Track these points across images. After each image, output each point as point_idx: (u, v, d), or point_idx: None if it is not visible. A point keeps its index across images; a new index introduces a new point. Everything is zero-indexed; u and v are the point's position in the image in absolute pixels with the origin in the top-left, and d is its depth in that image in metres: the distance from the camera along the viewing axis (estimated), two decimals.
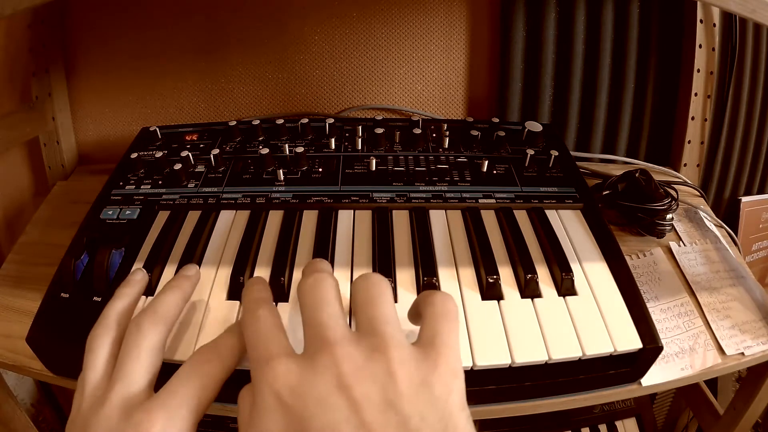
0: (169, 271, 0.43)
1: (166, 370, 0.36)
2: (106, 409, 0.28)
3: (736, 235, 0.66)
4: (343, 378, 0.23)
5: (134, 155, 0.56)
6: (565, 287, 0.43)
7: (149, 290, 0.42)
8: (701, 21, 0.67)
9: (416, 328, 0.29)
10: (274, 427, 0.23)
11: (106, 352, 0.31)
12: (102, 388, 0.29)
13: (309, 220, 0.49)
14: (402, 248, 0.46)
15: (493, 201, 0.51)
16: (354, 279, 0.29)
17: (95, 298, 0.41)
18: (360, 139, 0.59)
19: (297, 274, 0.43)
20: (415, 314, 0.31)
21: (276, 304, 0.40)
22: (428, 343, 0.26)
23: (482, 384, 0.39)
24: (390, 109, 0.76)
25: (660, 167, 0.71)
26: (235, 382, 0.29)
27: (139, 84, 0.73)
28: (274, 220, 0.49)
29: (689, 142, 0.71)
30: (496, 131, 0.60)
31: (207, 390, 0.29)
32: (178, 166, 0.53)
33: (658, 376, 0.44)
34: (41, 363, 0.41)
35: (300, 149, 0.55)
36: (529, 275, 0.42)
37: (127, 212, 0.50)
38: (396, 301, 0.41)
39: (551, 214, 0.50)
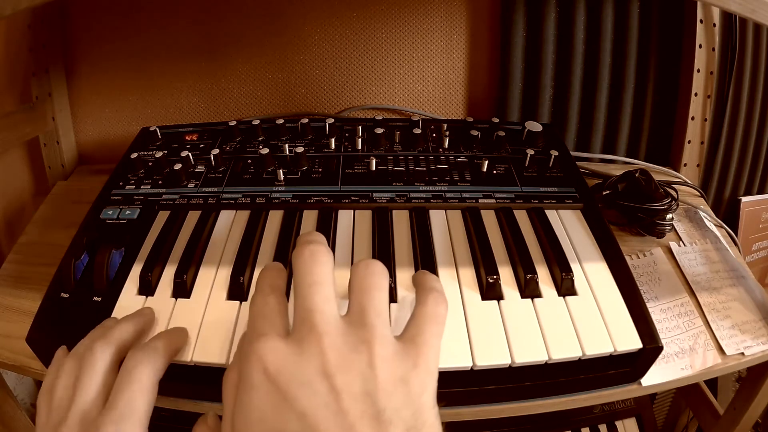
0: (169, 271, 0.43)
1: (170, 371, 0.36)
2: (65, 428, 0.30)
3: (736, 235, 0.66)
4: (327, 366, 0.24)
5: (134, 155, 0.56)
6: (565, 287, 0.43)
7: (149, 291, 0.42)
8: (701, 21, 0.67)
9: (405, 316, 0.30)
10: (258, 404, 0.24)
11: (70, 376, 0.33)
12: (64, 407, 0.31)
13: (309, 220, 0.49)
14: (402, 248, 0.46)
15: (493, 201, 0.51)
16: (357, 262, 0.30)
17: (95, 298, 0.41)
18: (360, 139, 0.59)
19: None
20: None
21: None
22: (411, 340, 0.27)
23: (482, 384, 0.39)
24: (390, 109, 0.76)
25: (660, 167, 0.71)
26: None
27: (139, 84, 0.73)
28: (274, 220, 0.49)
29: (689, 142, 0.71)
30: (496, 131, 0.60)
31: (145, 393, 0.31)
32: (178, 166, 0.53)
33: (658, 376, 0.44)
34: (41, 363, 0.41)
35: (300, 149, 0.55)
36: (529, 275, 0.42)
37: (127, 212, 0.50)
38: (395, 301, 0.41)
39: (551, 214, 0.50)
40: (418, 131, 0.59)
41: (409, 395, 0.25)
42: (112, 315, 0.40)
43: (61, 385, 0.32)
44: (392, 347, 0.26)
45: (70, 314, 0.40)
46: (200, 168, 0.55)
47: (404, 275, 0.43)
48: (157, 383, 0.33)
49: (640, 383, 0.43)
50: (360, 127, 0.61)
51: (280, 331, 0.27)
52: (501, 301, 0.42)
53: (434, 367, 0.27)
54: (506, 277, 0.43)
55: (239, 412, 0.25)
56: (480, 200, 0.51)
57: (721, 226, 0.63)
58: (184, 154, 0.55)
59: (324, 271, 0.28)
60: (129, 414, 0.30)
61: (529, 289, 0.42)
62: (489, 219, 0.50)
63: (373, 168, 0.55)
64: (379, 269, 0.29)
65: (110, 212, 0.50)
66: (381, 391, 0.24)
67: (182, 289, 0.42)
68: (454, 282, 0.43)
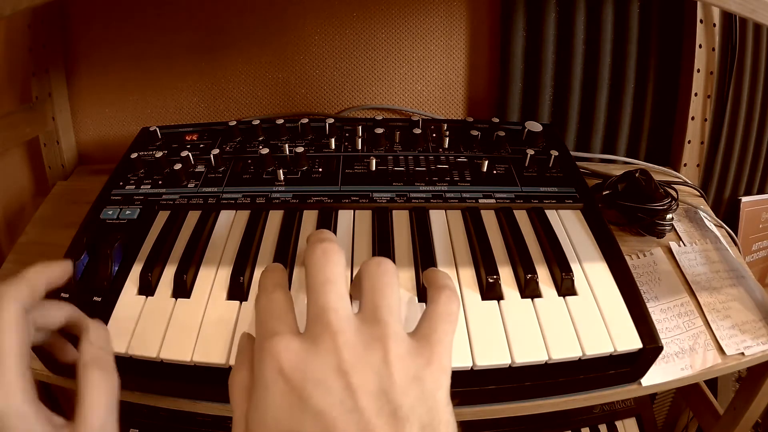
0: (169, 271, 0.43)
1: (164, 369, 0.36)
2: None
3: (736, 235, 0.66)
4: (342, 364, 0.24)
5: (134, 155, 0.56)
6: (565, 287, 0.43)
7: (149, 291, 0.42)
8: (701, 21, 0.67)
9: (417, 315, 0.30)
10: (274, 403, 0.24)
11: None
12: None
13: (309, 220, 0.49)
14: (402, 248, 0.46)
15: (493, 201, 0.51)
16: (367, 261, 0.30)
17: (95, 298, 0.41)
18: (360, 139, 0.59)
19: (297, 273, 0.43)
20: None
21: None
22: (425, 338, 0.27)
23: (482, 384, 0.39)
24: (390, 109, 0.76)
25: (660, 167, 0.71)
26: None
27: (139, 84, 0.73)
28: (274, 220, 0.49)
29: (689, 142, 0.71)
30: (496, 131, 0.60)
31: (11, 327, 0.29)
32: (178, 166, 0.53)
33: (658, 376, 0.44)
34: (41, 363, 0.41)
35: (300, 149, 0.55)
36: (529, 275, 0.42)
37: (127, 212, 0.50)
38: (401, 313, 0.41)
39: (551, 214, 0.50)
40: (418, 131, 0.59)
41: (424, 392, 0.25)
42: (113, 315, 0.40)
43: None
44: (406, 345, 0.26)
45: None
46: (200, 168, 0.55)
47: (404, 275, 0.43)
48: (25, 314, 0.30)
49: (640, 383, 0.43)
50: (360, 127, 0.61)
51: (292, 328, 0.27)
52: (501, 301, 0.42)
53: (448, 364, 0.27)
54: (506, 277, 0.43)
55: (254, 413, 0.25)
56: (480, 200, 0.51)
57: (721, 226, 0.63)
58: (184, 154, 0.55)
59: (337, 270, 0.28)
60: (5, 354, 0.28)
61: (529, 289, 0.42)
62: (489, 219, 0.50)
63: (373, 168, 0.55)
64: (391, 268, 0.29)
65: (110, 212, 0.50)
66: (396, 389, 0.24)
67: (182, 289, 0.42)
68: (454, 282, 0.43)
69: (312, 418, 0.23)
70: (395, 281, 0.29)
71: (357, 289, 0.30)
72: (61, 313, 0.35)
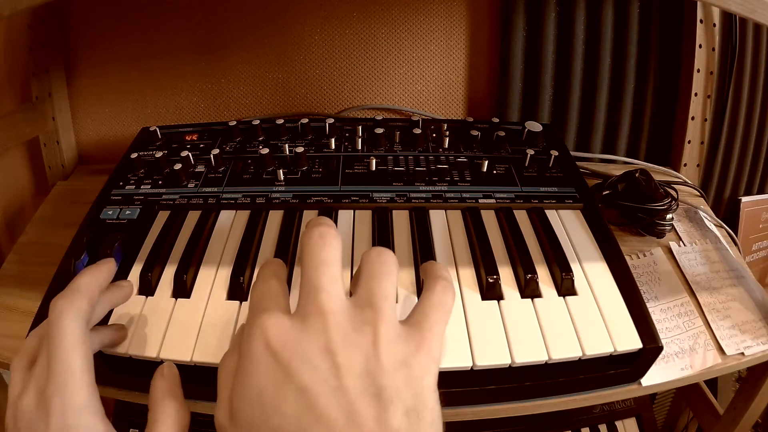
0: (169, 271, 0.43)
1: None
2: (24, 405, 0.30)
3: (736, 235, 0.66)
4: (330, 344, 0.24)
5: (134, 155, 0.56)
6: (565, 287, 0.43)
7: (149, 291, 0.42)
8: (701, 21, 0.67)
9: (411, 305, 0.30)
10: (259, 378, 0.24)
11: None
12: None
13: (309, 220, 0.49)
14: (402, 248, 0.46)
15: (493, 201, 0.51)
16: (369, 249, 0.30)
17: None
18: (360, 139, 0.59)
19: (297, 273, 0.43)
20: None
21: None
22: (416, 325, 0.28)
23: (482, 384, 0.39)
24: (390, 109, 0.76)
25: (660, 167, 0.71)
26: None
27: (139, 84, 0.73)
28: (274, 220, 0.49)
29: (689, 142, 0.71)
30: (496, 131, 0.60)
31: (76, 346, 0.30)
32: (178, 166, 0.53)
33: (658, 376, 0.44)
34: None
35: (300, 149, 0.55)
36: (529, 275, 0.42)
37: (127, 212, 0.50)
38: (395, 302, 0.41)
39: (551, 214, 0.50)
40: (418, 131, 0.59)
41: (411, 378, 0.25)
42: (112, 315, 0.40)
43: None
44: (397, 330, 0.26)
45: None
46: (200, 168, 0.55)
47: (404, 275, 0.43)
48: (86, 327, 0.31)
49: (640, 383, 0.43)
50: (360, 127, 0.61)
51: (282, 308, 0.27)
52: (501, 301, 0.42)
53: (437, 352, 0.27)
54: (506, 277, 0.43)
55: (238, 389, 0.25)
56: (480, 200, 0.51)
57: (721, 226, 0.63)
58: (184, 154, 0.55)
59: (332, 253, 0.28)
60: (67, 377, 0.29)
61: (529, 289, 0.42)
62: (489, 219, 0.50)
63: (373, 168, 0.55)
64: (391, 258, 0.30)
65: (110, 212, 0.50)
66: (383, 372, 0.24)
67: (182, 289, 0.42)
68: (454, 282, 0.43)
69: (295, 394, 0.23)
70: (394, 271, 0.29)
71: (357, 280, 0.30)
72: (103, 308, 0.37)
